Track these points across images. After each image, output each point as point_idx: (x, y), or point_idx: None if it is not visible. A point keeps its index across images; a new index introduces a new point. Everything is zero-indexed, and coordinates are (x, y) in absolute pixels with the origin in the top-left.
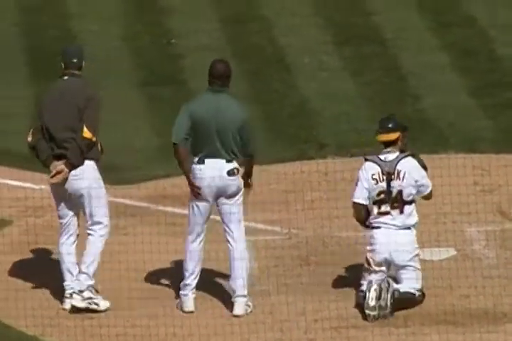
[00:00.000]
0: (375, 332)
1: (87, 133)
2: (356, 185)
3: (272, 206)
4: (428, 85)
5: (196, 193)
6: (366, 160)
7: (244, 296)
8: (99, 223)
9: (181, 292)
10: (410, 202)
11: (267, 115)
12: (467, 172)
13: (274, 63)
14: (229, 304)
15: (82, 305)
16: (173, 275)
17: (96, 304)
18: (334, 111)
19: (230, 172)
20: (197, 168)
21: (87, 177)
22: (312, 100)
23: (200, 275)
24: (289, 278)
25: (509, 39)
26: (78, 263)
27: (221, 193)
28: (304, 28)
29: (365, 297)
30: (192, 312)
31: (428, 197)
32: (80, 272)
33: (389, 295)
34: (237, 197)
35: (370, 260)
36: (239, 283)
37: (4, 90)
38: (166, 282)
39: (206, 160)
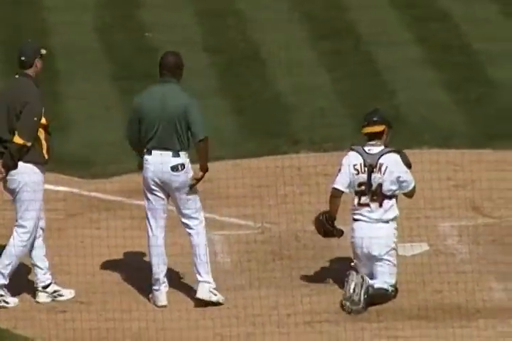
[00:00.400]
0: (347, 327)
1: (17, 138)
2: (338, 171)
3: (245, 200)
4: (403, 80)
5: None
6: (351, 149)
7: (208, 282)
8: (22, 227)
9: (153, 287)
10: (390, 197)
11: (240, 110)
12: (440, 168)
13: (249, 58)
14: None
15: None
16: (146, 269)
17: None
18: (309, 106)
19: (174, 168)
20: (145, 158)
21: (20, 179)
22: (287, 95)
23: (173, 269)
24: (261, 273)
25: (483, 33)
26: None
27: (166, 187)
28: (280, 22)
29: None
30: (165, 306)
31: (410, 194)
32: None
33: (362, 291)
34: (186, 189)
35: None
36: (200, 268)
37: None
38: (139, 276)
39: (153, 152)
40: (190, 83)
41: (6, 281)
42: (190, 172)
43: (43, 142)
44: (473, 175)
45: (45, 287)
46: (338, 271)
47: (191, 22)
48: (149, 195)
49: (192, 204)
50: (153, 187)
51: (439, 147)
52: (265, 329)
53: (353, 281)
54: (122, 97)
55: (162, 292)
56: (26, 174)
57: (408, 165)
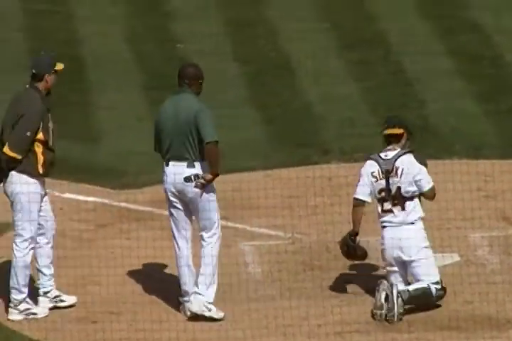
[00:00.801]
0: (378, 337)
1: (7, 150)
2: (358, 182)
3: (276, 211)
4: (432, 90)
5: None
6: (368, 158)
7: (202, 295)
8: (20, 235)
9: (183, 298)
10: (411, 199)
11: (270, 119)
12: (471, 178)
13: (278, 67)
14: (230, 309)
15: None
16: (176, 279)
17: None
18: (338, 115)
19: (187, 179)
20: (164, 169)
21: (12, 189)
22: (316, 105)
23: None
24: (292, 283)
25: None
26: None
27: (182, 197)
28: (309, 32)
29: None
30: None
31: (429, 195)
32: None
33: (394, 298)
34: (201, 200)
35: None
36: (200, 279)
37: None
38: (169, 287)
39: (170, 163)
40: (221, 93)
41: (24, 294)
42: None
43: (39, 156)
44: (504, 185)
45: (46, 293)
46: (368, 281)
47: (221, 32)
48: (170, 207)
49: (207, 215)
50: (172, 198)
51: (470, 158)
52: (295, 340)
53: (384, 290)
54: (153, 107)
55: (192, 303)
56: (19, 184)
57: (424, 165)
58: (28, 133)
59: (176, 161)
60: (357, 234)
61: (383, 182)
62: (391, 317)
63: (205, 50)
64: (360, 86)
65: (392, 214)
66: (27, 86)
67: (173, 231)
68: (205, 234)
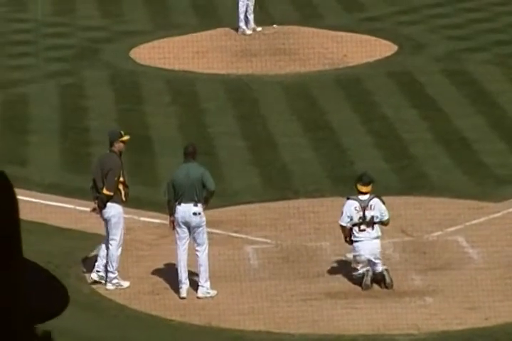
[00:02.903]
0: (328, 301)
1: (105, 190)
2: (342, 214)
3: (266, 227)
4: None
5: (172, 225)
6: (348, 198)
7: (203, 287)
8: (113, 239)
9: (179, 284)
10: (376, 223)
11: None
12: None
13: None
14: (238, 285)
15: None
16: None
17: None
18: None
19: (195, 213)
20: (177, 207)
21: (108, 212)
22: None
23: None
24: (276, 270)
25: None
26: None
27: (189, 225)
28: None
29: (362, 278)
30: (184, 297)
31: (386, 223)
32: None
33: (386, 275)
34: (201, 227)
35: (356, 262)
36: (201, 278)
37: None
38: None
39: (182, 204)
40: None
41: (115, 273)
42: (203, 216)
43: (122, 191)
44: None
45: (111, 280)
46: (328, 265)
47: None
48: (178, 229)
49: (202, 237)
50: (181, 224)
51: None
52: (277, 305)
53: (370, 276)
54: None
55: (184, 288)
56: (112, 208)
57: (383, 203)
58: (116, 178)
59: (187, 203)
60: (349, 237)
61: (361, 213)
62: (390, 286)
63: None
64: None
65: (366, 233)
66: (107, 151)
67: (177, 244)
68: (199, 248)
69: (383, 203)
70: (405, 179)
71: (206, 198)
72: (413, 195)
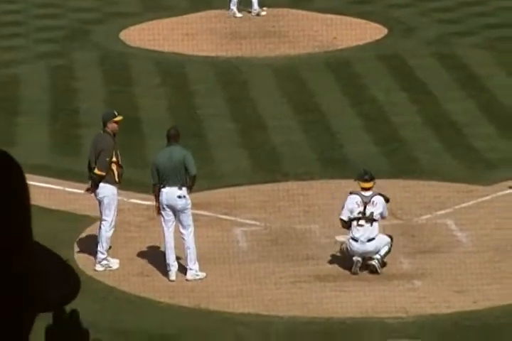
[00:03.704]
0: (317, 284)
1: (97, 170)
2: (343, 208)
3: (256, 210)
4: None
5: (158, 210)
6: (351, 193)
7: (191, 269)
8: (105, 220)
9: (167, 268)
10: (376, 220)
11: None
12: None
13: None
14: (227, 267)
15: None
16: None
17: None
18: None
19: (179, 196)
20: (162, 190)
21: (101, 193)
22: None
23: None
24: (265, 252)
25: None
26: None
27: (173, 208)
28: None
29: (352, 263)
30: (173, 280)
31: (384, 217)
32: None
33: (376, 263)
34: (186, 210)
35: (346, 252)
36: (189, 261)
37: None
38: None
39: (166, 187)
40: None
41: (105, 255)
42: (188, 199)
43: (115, 172)
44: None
45: (101, 261)
46: (315, 249)
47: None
48: (163, 212)
49: (186, 218)
50: (166, 207)
51: None
52: (266, 287)
53: (358, 262)
54: None
55: (172, 271)
56: (105, 189)
57: (387, 201)
58: (108, 159)
59: (171, 186)
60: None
61: (362, 208)
62: (378, 273)
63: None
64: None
65: (364, 228)
66: (101, 131)
67: (162, 227)
68: (185, 232)
69: (387, 201)
70: (395, 162)
71: (189, 183)
72: (402, 179)
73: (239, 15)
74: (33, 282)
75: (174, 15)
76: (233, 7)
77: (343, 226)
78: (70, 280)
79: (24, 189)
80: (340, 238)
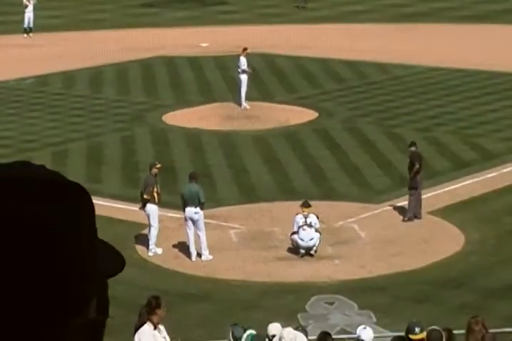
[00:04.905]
0: (295, 263)
1: (145, 195)
2: (293, 224)
3: (242, 219)
4: None
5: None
6: (297, 214)
7: (204, 254)
8: (153, 227)
9: (192, 255)
10: (312, 227)
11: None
12: None
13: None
14: (224, 253)
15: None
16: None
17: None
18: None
19: (196, 213)
20: (185, 209)
21: (148, 210)
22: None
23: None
24: (248, 243)
25: None
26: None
27: (192, 219)
28: None
29: (298, 252)
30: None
31: (317, 228)
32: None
33: (313, 251)
34: (200, 220)
35: (296, 245)
36: (203, 250)
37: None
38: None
39: (187, 207)
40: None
41: (153, 245)
42: (201, 214)
43: (156, 196)
44: None
45: (151, 249)
46: (283, 242)
47: None
48: (186, 222)
49: (201, 225)
50: (188, 219)
51: None
52: (254, 266)
53: (303, 249)
54: None
55: (193, 255)
56: (150, 208)
57: (317, 217)
58: (150, 189)
59: (190, 207)
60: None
61: (304, 220)
62: (312, 254)
63: None
64: None
65: (306, 231)
66: (148, 173)
67: (186, 231)
68: (200, 233)
69: (317, 217)
70: (322, 191)
71: (201, 206)
72: (327, 200)
73: (248, 107)
74: (92, 255)
75: (194, 106)
76: (244, 103)
77: (293, 233)
78: (118, 254)
79: (92, 213)
80: (293, 237)
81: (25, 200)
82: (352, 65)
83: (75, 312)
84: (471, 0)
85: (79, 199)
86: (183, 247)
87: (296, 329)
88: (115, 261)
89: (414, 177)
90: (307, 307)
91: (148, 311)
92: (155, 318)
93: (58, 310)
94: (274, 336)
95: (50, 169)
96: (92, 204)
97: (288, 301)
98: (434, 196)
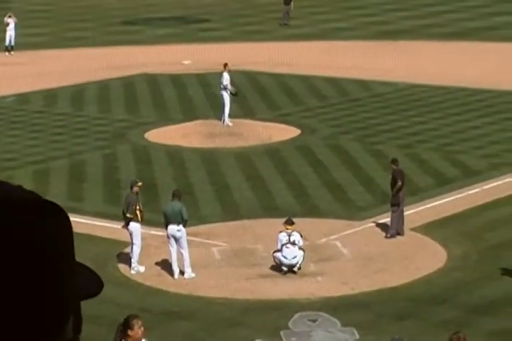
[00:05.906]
0: (267, 281)
1: (128, 214)
2: (277, 242)
3: (225, 237)
4: None
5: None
6: (280, 231)
7: (187, 272)
8: (135, 244)
9: (173, 273)
10: (296, 244)
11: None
12: None
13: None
14: (206, 271)
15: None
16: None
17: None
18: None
19: (178, 230)
20: (168, 227)
21: (131, 228)
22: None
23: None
24: (230, 261)
25: None
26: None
27: (175, 237)
28: None
29: (281, 270)
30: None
31: (301, 245)
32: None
33: (296, 268)
34: (182, 238)
35: (279, 263)
36: (186, 267)
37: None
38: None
39: (170, 225)
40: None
41: (135, 263)
42: (184, 232)
43: (138, 214)
44: None
45: (134, 267)
46: (265, 259)
47: None
48: (169, 240)
49: (184, 244)
50: (170, 237)
51: None
52: (236, 282)
53: (286, 267)
54: None
55: (176, 273)
56: (133, 226)
57: (301, 235)
58: (133, 207)
59: (173, 225)
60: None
61: (287, 238)
62: (295, 272)
63: None
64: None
65: (289, 249)
66: (129, 191)
67: (169, 248)
68: (183, 251)
69: (301, 236)
70: (305, 208)
71: (184, 223)
72: (310, 218)
73: (231, 124)
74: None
75: (176, 123)
76: (227, 120)
77: (276, 251)
78: (96, 276)
79: (69, 233)
80: (274, 255)
81: (0, 222)
82: (334, 82)
83: (53, 333)
84: (451, 17)
85: (55, 220)
86: (166, 265)
87: None
88: (94, 283)
89: (397, 194)
90: (290, 324)
91: (122, 330)
92: (129, 339)
93: (38, 331)
94: None
95: (27, 189)
96: (69, 224)
97: (271, 318)
98: (416, 212)
